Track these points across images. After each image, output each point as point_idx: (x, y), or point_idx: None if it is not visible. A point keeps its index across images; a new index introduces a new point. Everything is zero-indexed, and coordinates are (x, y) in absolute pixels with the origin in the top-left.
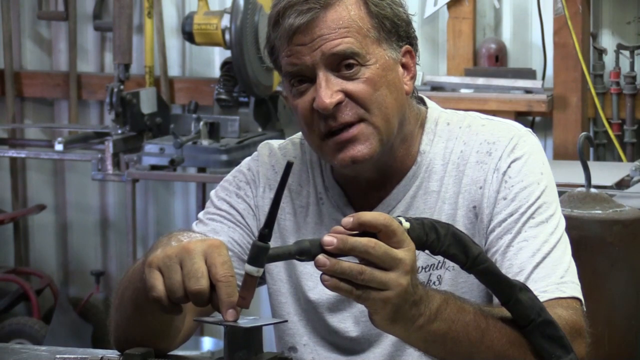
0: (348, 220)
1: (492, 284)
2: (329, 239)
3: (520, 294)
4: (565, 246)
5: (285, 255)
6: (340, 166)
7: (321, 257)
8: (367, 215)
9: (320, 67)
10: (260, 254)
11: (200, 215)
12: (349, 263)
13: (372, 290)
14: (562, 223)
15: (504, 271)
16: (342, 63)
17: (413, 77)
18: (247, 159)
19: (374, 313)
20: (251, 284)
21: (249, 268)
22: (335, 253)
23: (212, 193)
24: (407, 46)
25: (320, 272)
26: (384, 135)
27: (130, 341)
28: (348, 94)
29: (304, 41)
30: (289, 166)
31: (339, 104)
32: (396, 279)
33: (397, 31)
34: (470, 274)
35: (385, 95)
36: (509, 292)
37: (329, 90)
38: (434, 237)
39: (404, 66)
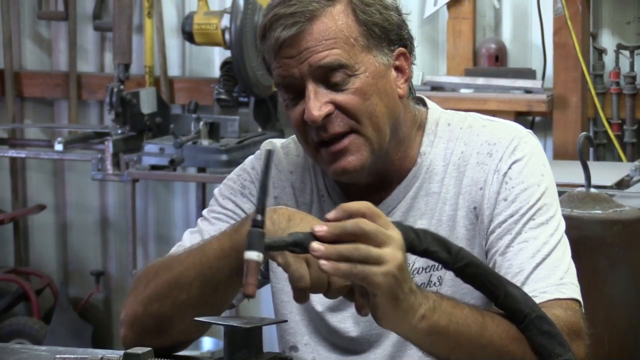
0: (332, 213)
1: (479, 277)
2: (319, 226)
3: (509, 287)
4: (565, 248)
5: (280, 244)
6: (334, 176)
7: (315, 243)
8: (350, 204)
9: (309, 79)
10: (258, 239)
11: (205, 213)
12: (343, 244)
13: (371, 266)
14: (562, 225)
15: (503, 271)
16: (331, 74)
17: (407, 80)
18: (251, 157)
19: (377, 295)
20: (255, 270)
21: (250, 255)
22: (328, 239)
23: (216, 191)
24: (401, 49)
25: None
26: (376, 144)
27: (163, 322)
28: (338, 105)
29: (291, 54)
30: (269, 154)
31: (328, 115)
32: (392, 253)
33: (388, 36)
34: (455, 271)
35: (375, 103)
36: (498, 285)
37: (317, 102)
38: (414, 236)
39: (397, 69)
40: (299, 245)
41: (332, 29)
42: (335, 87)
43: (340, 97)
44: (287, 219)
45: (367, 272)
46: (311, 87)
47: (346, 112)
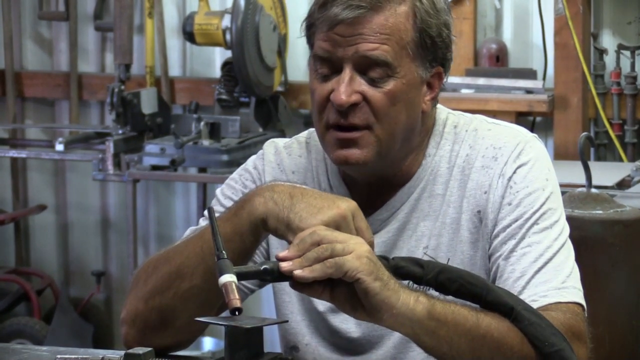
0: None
1: (457, 280)
2: (282, 252)
3: (490, 284)
4: (569, 252)
5: (251, 271)
6: (334, 162)
7: (284, 263)
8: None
9: (349, 64)
10: (227, 266)
11: (206, 212)
12: (308, 252)
13: (340, 257)
14: (567, 229)
15: (505, 276)
16: (371, 67)
17: (434, 98)
18: (253, 157)
19: (360, 280)
20: (235, 288)
21: (225, 278)
22: (294, 257)
23: (218, 191)
24: (440, 67)
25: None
26: (384, 147)
27: (166, 315)
28: (366, 98)
29: (343, 33)
30: (210, 211)
31: (354, 104)
32: (356, 242)
33: (435, 51)
34: (429, 283)
35: (399, 111)
36: (477, 284)
37: (349, 88)
38: (379, 257)
39: (429, 85)
40: (269, 272)
41: (391, 26)
42: (370, 81)
43: (371, 92)
44: (289, 197)
45: (339, 261)
46: (348, 72)
47: (371, 108)
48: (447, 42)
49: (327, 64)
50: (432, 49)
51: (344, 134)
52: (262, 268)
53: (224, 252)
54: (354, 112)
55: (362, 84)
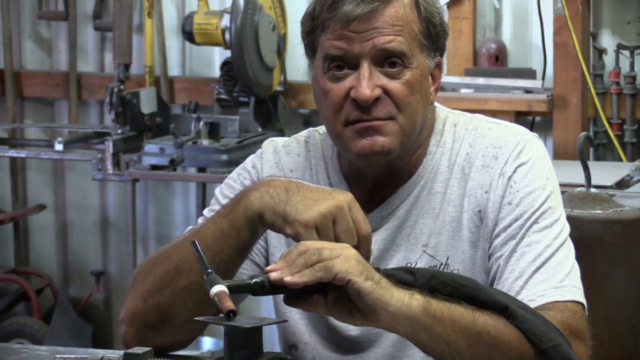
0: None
1: (449, 283)
2: (270, 266)
3: (481, 285)
4: (569, 251)
5: (242, 286)
6: (358, 154)
7: (273, 273)
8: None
9: (366, 59)
10: (216, 279)
11: (205, 212)
12: (296, 260)
13: (328, 260)
14: (567, 228)
15: (505, 276)
16: (387, 60)
17: (437, 90)
18: (251, 156)
19: (350, 281)
20: (226, 296)
21: (216, 289)
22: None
23: (217, 190)
24: (439, 58)
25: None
26: (406, 137)
27: (165, 313)
28: (386, 91)
29: (357, 29)
30: (194, 244)
31: (376, 99)
32: (342, 247)
33: (437, 41)
34: (421, 288)
35: (417, 100)
36: (469, 285)
37: (371, 82)
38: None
39: (432, 76)
40: (260, 286)
41: (402, 17)
42: (387, 74)
43: (391, 85)
44: (285, 191)
45: (328, 264)
46: (367, 67)
47: (392, 100)
48: (446, 30)
49: (340, 63)
50: (435, 38)
51: (368, 123)
52: (252, 281)
53: (211, 270)
54: (376, 106)
55: (381, 77)
